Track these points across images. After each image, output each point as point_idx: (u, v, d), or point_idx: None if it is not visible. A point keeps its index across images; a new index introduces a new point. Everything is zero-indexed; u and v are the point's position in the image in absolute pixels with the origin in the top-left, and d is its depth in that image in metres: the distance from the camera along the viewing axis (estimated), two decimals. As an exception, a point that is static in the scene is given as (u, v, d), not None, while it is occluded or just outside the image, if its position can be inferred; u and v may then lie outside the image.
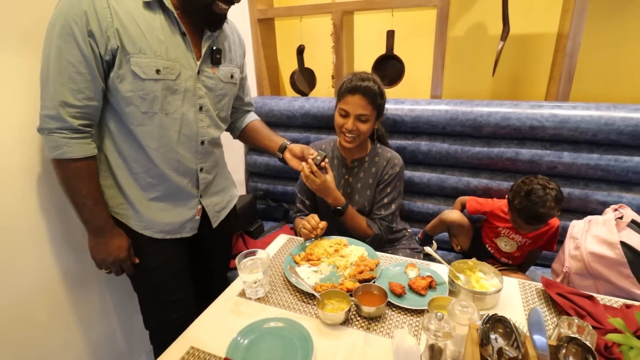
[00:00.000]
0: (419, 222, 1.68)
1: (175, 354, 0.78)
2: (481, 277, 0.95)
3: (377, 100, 1.18)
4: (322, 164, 1.16)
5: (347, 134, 1.20)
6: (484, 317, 0.61)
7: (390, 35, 1.72)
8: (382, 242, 1.30)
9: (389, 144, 1.44)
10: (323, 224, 1.14)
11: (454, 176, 1.58)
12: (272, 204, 1.94)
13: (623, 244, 1.03)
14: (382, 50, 1.76)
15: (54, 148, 0.84)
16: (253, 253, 0.96)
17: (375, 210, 1.29)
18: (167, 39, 0.88)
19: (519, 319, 0.85)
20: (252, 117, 1.27)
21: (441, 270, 1.00)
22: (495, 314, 0.62)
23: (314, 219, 1.14)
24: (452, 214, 1.47)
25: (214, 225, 1.14)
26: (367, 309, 0.84)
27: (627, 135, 1.32)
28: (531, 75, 1.76)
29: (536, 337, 0.58)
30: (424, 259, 1.31)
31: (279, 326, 0.82)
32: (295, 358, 0.73)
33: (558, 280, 1.18)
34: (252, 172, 1.99)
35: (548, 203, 1.20)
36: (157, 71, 0.87)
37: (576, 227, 1.18)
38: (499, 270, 1.41)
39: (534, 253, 1.42)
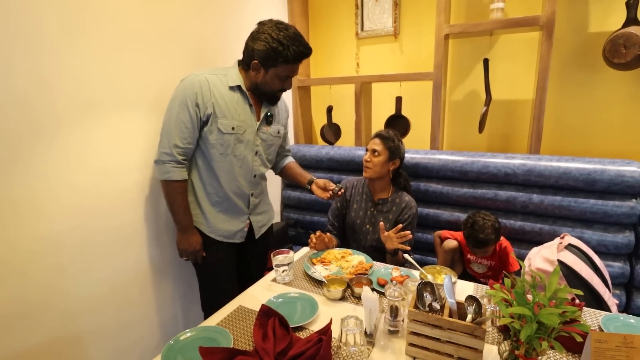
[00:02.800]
0: (420, 250, 2.04)
1: (228, 309, 1.20)
2: (444, 277, 1.31)
3: (388, 143, 1.64)
4: (339, 193, 1.60)
5: (365, 164, 1.67)
6: (419, 281, 1.00)
7: (399, 100, 2.20)
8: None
9: (411, 191, 1.82)
10: (316, 236, 1.55)
11: (447, 212, 1.95)
12: (301, 231, 2.38)
13: (560, 261, 1.35)
14: (393, 111, 2.24)
15: (164, 173, 1.36)
16: (283, 252, 1.39)
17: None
18: (240, 108, 1.41)
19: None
20: (289, 160, 1.77)
21: (417, 273, 1.38)
22: (426, 280, 1.00)
23: (315, 235, 1.56)
24: (450, 243, 1.82)
25: (257, 236, 1.61)
26: (357, 290, 1.23)
27: (582, 182, 1.66)
28: (516, 132, 2.14)
29: (449, 295, 0.95)
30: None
31: (297, 296, 1.23)
32: (306, 312, 1.14)
33: (516, 291, 1.49)
34: (286, 204, 2.47)
35: (487, 230, 1.57)
36: (232, 128, 1.39)
37: (532, 251, 1.51)
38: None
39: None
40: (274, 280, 1.38)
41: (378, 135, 1.67)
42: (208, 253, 1.51)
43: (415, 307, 0.97)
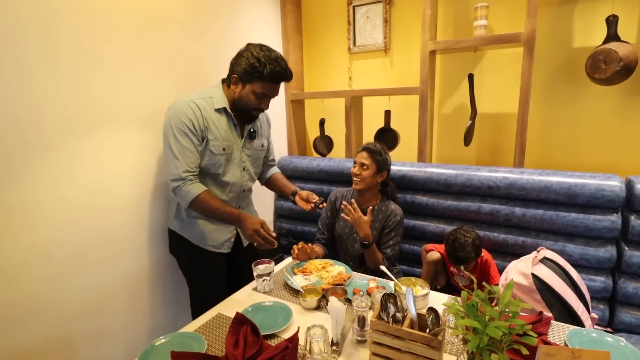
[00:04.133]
0: (406, 261, 2.07)
1: (207, 316, 1.26)
2: (419, 289, 1.34)
3: (376, 156, 1.71)
4: (321, 206, 1.65)
5: (354, 177, 1.73)
6: (384, 293, 1.04)
7: (387, 113, 2.26)
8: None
9: (398, 200, 1.88)
10: (298, 247, 1.61)
11: (433, 224, 1.99)
12: (292, 240, 2.43)
13: (534, 275, 1.37)
14: (382, 124, 2.29)
15: (185, 195, 1.38)
16: (264, 262, 1.44)
17: (382, 250, 1.72)
18: (226, 128, 1.48)
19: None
20: (274, 170, 1.83)
21: (393, 284, 1.41)
22: (391, 292, 1.04)
23: (297, 246, 1.62)
24: (433, 255, 1.85)
25: (245, 244, 1.67)
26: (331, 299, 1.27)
27: (563, 196, 1.68)
28: (504, 145, 2.17)
29: (410, 307, 0.99)
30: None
31: (272, 305, 1.28)
32: (280, 320, 1.18)
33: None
34: (279, 214, 2.52)
35: (467, 248, 1.61)
36: (223, 149, 1.47)
37: (510, 264, 1.53)
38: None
39: None
40: (255, 289, 1.43)
41: (366, 149, 1.73)
42: (198, 262, 1.57)
43: (379, 317, 1.01)
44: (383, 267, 1.43)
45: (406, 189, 2.05)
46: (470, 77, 2.03)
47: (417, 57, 2.24)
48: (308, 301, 1.27)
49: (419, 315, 0.99)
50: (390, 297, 1.03)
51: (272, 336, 1.13)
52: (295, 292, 1.39)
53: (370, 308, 1.09)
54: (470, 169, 1.90)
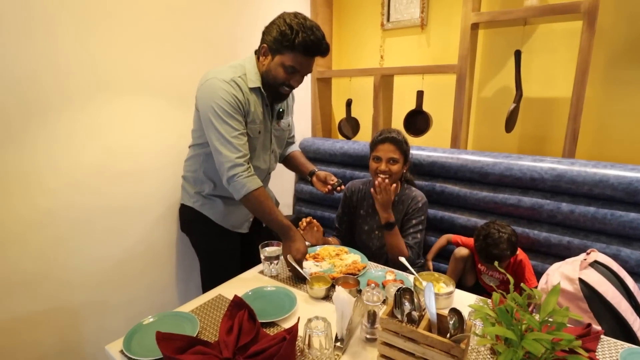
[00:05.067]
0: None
1: (207, 297, 1.17)
2: (442, 286, 1.18)
3: (403, 147, 1.52)
4: (338, 188, 1.51)
5: (380, 175, 1.49)
6: (399, 287, 0.89)
7: (420, 94, 2.07)
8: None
9: (415, 184, 1.72)
10: (307, 220, 1.49)
11: (464, 216, 1.80)
12: (311, 226, 2.31)
13: (581, 280, 1.17)
14: (413, 106, 2.10)
15: (240, 189, 1.24)
16: (272, 244, 1.33)
17: (404, 239, 1.54)
18: (259, 109, 1.35)
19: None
20: (294, 148, 1.70)
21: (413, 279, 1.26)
22: (406, 287, 0.89)
23: (305, 220, 1.49)
24: (461, 251, 1.67)
25: (264, 224, 1.58)
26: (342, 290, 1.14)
27: (622, 192, 1.44)
28: (551, 134, 1.93)
29: (430, 306, 0.84)
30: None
31: (275, 290, 1.16)
32: (282, 308, 1.07)
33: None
34: (299, 198, 2.41)
35: (501, 245, 1.41)
36: (259, 132, 1.36)
37: (553, 267, 1.33)
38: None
39: None
40: (262, 272, 1.33)
41: (390, 140, 1.51)
42: (214, 241, 1.49)
43: (391, 314, 0.87)
44: (403, 259, 1.28)
45: (436, 177, 1.87)
46: (518, 55, 1.79)
47: (456, 35, 2.02)
48: (315, 290, 1.15)
49: (439, 316, 0.84)
50: (406, 292, 0.88)
51: (272, 324, 1.02)
52: (303, 279, 1.27)
53: (383, 303, 0.95)
54: (511, 158, 1.68)
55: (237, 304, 1.02)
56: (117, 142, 1.43)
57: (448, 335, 0.80)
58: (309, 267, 1.33)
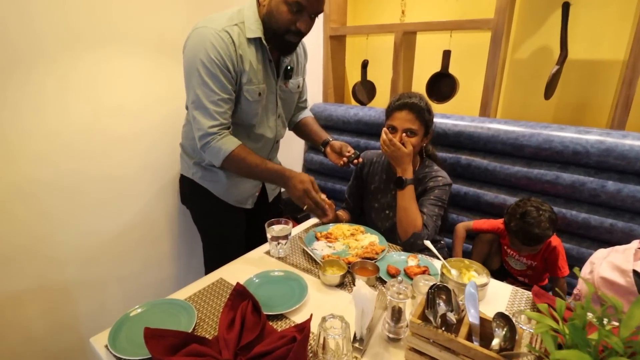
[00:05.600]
0: (451, 233, 1.75)
1: (205, 281, 1.04)
2: (473, 275, 1.03)
3: (424, 115, 1.26)
4: (355, 161, 1.33)
5: (391, 148, 1.25)
6: (433, 284, 0.74)
7: (447, 55, 1.83)
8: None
9: (439, 159, 1.47)
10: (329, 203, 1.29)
11: (491, 192, 1.62)
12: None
13: (636, 273, 1.01)
14: (438, 68, 1.87)
15: (216, 154, 1.10)
16: (280, 222, 1.18)
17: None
18: (261, 66, 1.15)
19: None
20: (306, 114, 1.51)
21: (440, 265, 1.11)
22: (441, 284, 0.74)
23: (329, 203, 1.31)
24: (488, 235, 1.51)
25: (270, 199, 1.45)
26: (358, 278, 1.00)
27: (683, 171, 1.25)
28: (595, 102, 1.71)
29: (471, 308, 0.70)
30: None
31: (284, 275, 1.03)
32: (291, 297, 0.94)
33: (568, 301, 1.18)
34: (308, 168, 2.25)
35: (542, 224, 1.24)
36: (259, 94, 1.17)
37: (597, 253, 1.17)
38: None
39: (554, 282, 1.40)
40: (268, 252, 1.19)
41: (409, 106, 1.25)
42: (216, 218, 1.35)
43: (422, 316, 0.72)
44: (428, 243, 1.12)
45: (462, 149, 1.68)
46: (566, 8, 1.54)
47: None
48: (329, 276, 1.01)
49: (482, 321, 0.69)
50: (441, 291, 0.73)
51: (279, 317, 0.89)
52: (315, 262, 1.13)
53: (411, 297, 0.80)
54: (551, 128, 1.48)
55: (240, 293, 0.89)
56: (109, 101, 1.27)
57: (493, 344, 0.66)
58: (321, 248, 1.19)
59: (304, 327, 0.78)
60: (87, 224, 1.30)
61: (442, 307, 0.72)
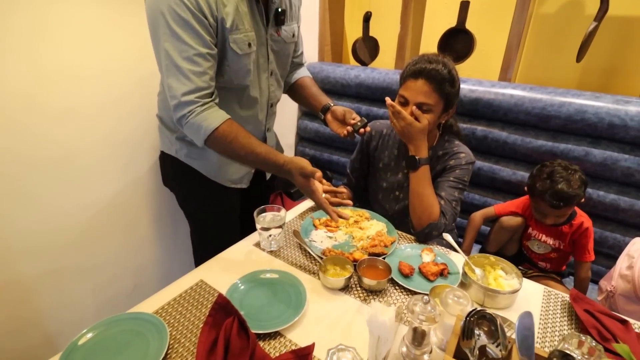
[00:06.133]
0: (462, 213, 1.59)
1: (186, 283, 0.86)
2: (500, 275, 0.88)
3: (444, 88, 1.00)
4: (362, 130, 1.12)
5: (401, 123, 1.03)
6: (471, 310, 0.58)
7: (464, 6, 1.57)
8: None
9: (462, 136, 1.21)
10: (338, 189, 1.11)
11: (508, 169, 1.45)
12: (327, 175, 1.97)
13: (690, 272, 0.87)
14: (453, 23, 1.62)
15: (198, 129, 0.87)
16: (272, 209, 1.00)
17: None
18: (247, 10, 0.90)
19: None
20: (303, 73, 1.26)
21: (459, 260, 0.95)
22: (483, 310, 0.58)
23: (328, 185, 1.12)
24: (513, 220, 1.34)
25: (268, 176, 1.26)
26: (367, 281, 0.84)
27: None
28: (631, 67, 1.50)
29: (523, 345, 0.54)
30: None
31: (277, 278, 0.86)
32: (287, 308, 0.77)
33: (600, 299, 1.05)
34: (302, 137, 2.03)
35: (573, 182, 1.12)
36: (249, 45, 0.92)
37: (636, 245, 1.03)
38: (536, 276, 1.32)
39: (579, 267, 1.27)
40: (258, 245, 1.01)
41: (427, 74, 0.99)
42: (209, 202, 1.15)
43: (457, 355, 0.56)
44: (448, 237, 0.95)
45: (478, 119, 1.48)
46: (613, -52, 1.28)
47: None
48: (332, 280, 0.84)
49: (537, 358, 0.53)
50: (482, 320, 0.57)
51: (273, 335, 0.73)
52: (312, 256, 0.96)
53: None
54: (584, 97, 1.28)
55: (223, 307, 0.72)
56: (56, 62, 1.01)
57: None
58: (320, 239, 1.02)
59: (306, 355, 0.62)
60: (42, 206, 1.09)
61: (482, 338, 0.56)
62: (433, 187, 1.07)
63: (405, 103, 1.04)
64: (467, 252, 1.41)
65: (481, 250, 1.43)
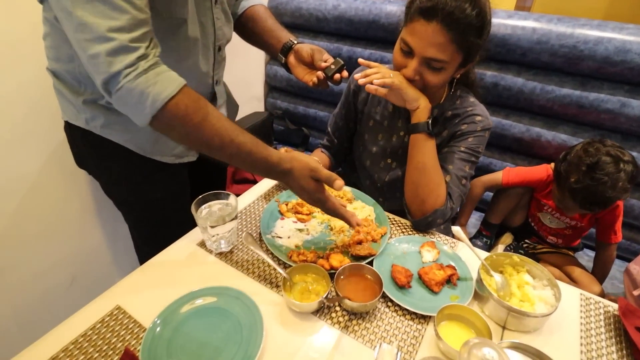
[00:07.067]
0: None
1: (96, 311, 0.61)
2: (527, 281, 0.66)
3: (468, 38, 0.70)
4: (337, 76, 0.80)
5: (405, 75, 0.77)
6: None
7: None
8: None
9: (478, 93, 0.89)
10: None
11: (521, 124, 1.19)
12: (290, 126, 1.67)
13: None
14: None
15: (135, 108, 0.56)
16: (219, 195, 0.73)
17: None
18: None
19: (569, 355, 0.58)
20: (254, 1, 0.91)
21: (471, 259, 0.72)
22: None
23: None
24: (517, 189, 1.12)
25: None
26: (350, 304, 0.60)
27: None
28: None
29: None
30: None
31: (223, 303, 0.61)
32: (235, 351, 0.53)
33: (637, 293, 0.86)
34: (272, 87, 1.69)
35: (620, 183, 0.88)
36: None
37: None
38: (545, 253, 1.13)
39: (601, 248, 1.08)
40: (202, 244, 0.75)
41: (443, 14, 0.67)
42: (147, 188, 0.85)
43: None
44: (459, 231, 0.70)
45: (488, 61, 1.19)
46: None
47: None
48: (298, 304, 0.60)
49: None
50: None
51: (211, 401, 0.49)
52: (279, 258, 0.71)
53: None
54: (628, 30, 0.99)
55: (131, 368, 0.47)
56: None
57: None
58: (287, 233, 0.76)
59: None
60: None
61: None
62: (438, 160, 0.80)
63: (409, 53, 0.74)
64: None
65: (483, 223, 1.22)
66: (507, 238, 1.19)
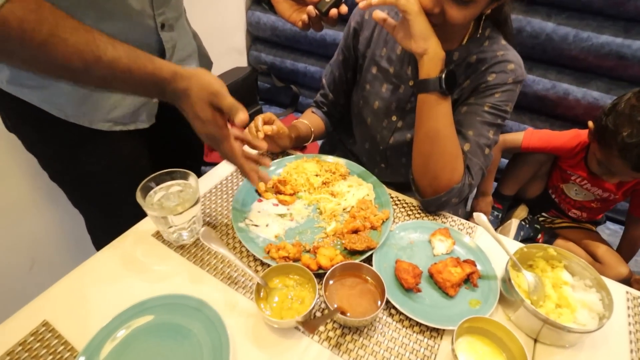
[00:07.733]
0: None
1: (17, 329, 0.47)
2: (565, 281, 0.52)
3: None
4: (334, 12, 0.60)
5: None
6: None
7: None
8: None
9: (513, 39, 0.72)
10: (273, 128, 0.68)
11: (546, 79, 1.02)
12: (278, 83, 1.47)
13: None
14: None
15: None
16: (174, 173, 0.57)
17: (459, 136, 0.66)
18: None
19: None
20: None
21: (494, 250, 0.58)
22: None
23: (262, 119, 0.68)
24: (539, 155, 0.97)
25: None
26: (343, 319, 0.47)
27: None
28: None
29: None
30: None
31: (173, 320, 0.47)
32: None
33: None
34: (254, 37, 1.47)
35: None
36: None
37: None
38: (563, 228, 1.01)
39: (632, 223, 0.95)
40: (159, 236, 0.60)
41: None
42: (84, 157, 0.68)
43: None
44: (482, 218, 0.55)
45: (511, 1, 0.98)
46: None
47: None
48: (275, 321, 0.46)
49: None
50: None
51: None
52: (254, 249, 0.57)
53: None
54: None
55: None
56: None
57: None
58: (265, 221, 0.61)
59: None
60: None
61: None
62: (455, 119, 0.64)
63: None
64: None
65: (495, 194, 1.08)
66: (522, 211, 1.06)
